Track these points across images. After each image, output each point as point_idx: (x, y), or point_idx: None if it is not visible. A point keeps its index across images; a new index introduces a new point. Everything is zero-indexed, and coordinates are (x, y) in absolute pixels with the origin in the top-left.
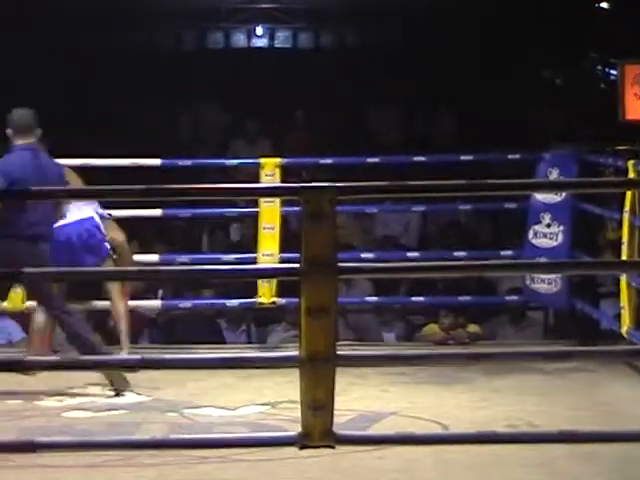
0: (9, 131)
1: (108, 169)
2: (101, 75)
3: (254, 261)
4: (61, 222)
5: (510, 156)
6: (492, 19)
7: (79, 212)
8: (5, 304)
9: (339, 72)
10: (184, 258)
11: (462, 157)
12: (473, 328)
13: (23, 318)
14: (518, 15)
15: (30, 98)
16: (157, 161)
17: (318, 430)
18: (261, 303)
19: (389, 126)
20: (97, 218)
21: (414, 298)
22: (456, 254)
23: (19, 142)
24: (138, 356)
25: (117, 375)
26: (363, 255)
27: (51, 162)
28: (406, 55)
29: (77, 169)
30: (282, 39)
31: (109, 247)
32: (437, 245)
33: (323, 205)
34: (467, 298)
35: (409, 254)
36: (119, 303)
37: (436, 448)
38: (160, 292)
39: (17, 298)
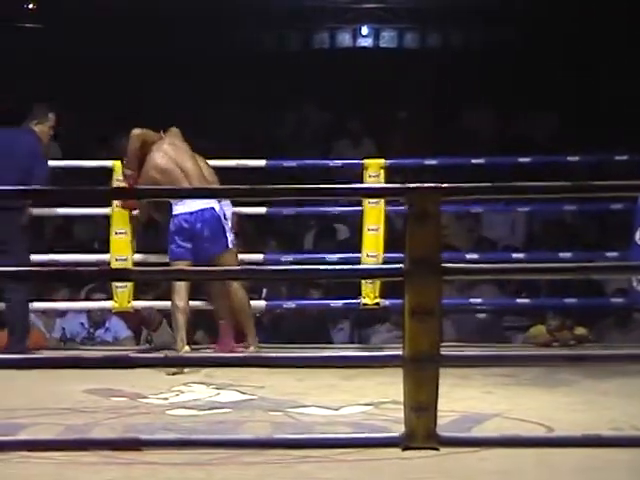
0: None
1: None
2: (205, 76)
3: (358, 261)
4: (180, 209)
5: (617, 157)
6: (597, 16)
7: (200, 202)
8: (111, 303)
9: (443, 72)
10: (289, 258)
11: (568, 158)
12: (580, 331)
13: (129, 316)
14: (621, 11)
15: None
16: (262, 162)
17: (421, 431)
18: (365, 304)
19: (490, 126)
20: (218, 208)
21: (519, 300)
22: (561, 255)
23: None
24: (241, 354)
25: None
26: (468, 256)
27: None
28: (509, 55)
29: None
30: (387, 39)
31: (232, 238)
32: (542, 246)
33: (428, 206)
34: (573, 300)
35: (514, 255)
36: (223, 300)
37: (539, 451)
38: (264, 292)
39: (123, 297)
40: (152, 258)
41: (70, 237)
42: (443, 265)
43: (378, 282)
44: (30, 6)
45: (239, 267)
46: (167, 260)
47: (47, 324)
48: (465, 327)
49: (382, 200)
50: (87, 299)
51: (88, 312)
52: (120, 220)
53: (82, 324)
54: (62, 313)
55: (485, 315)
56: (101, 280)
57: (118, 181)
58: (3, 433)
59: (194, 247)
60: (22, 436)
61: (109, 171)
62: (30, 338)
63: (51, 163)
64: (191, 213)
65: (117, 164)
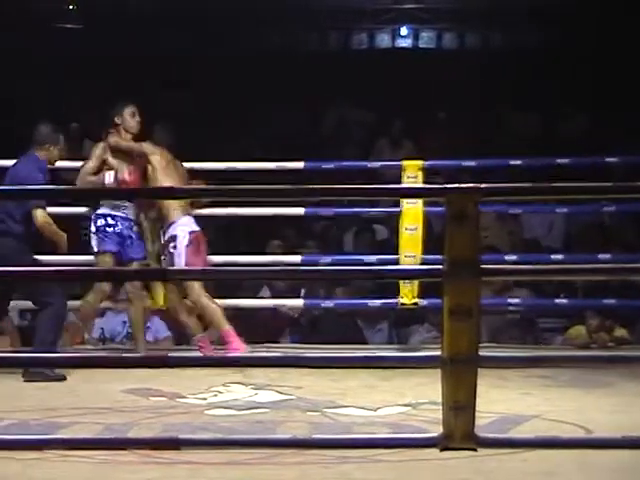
0: None
1: (252, 171)
2: (245, 76)
3: (396, 262)
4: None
5: None
6: (630, 20)
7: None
8: (150, 303)
9: (482, 73)
10: (327, 259)
11: (607, 159)
12: (619, 332)
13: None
14: None
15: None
16: (300, 164)
17: (460, 432)
18: (403, 304)
19: (530, 127)
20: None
21: (557, 300)
22: (600, 256)
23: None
24: (279, 354)
25: None
26: (507, 257)
27: (25, 168)
28: (548, 56)
29: (222, 172)
30: (426, 39)
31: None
32: (581, 247)
33: (467, 206)
34: (611, 301)
35: (553, 256)
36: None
37: (579, 452)
38: (302, 291)
39: (159, 296)
40: None
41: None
42: (482, 266)
43: (416, 282)
44: (70, 7)
45: (280, 267)
46: None
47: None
48: (504, 328)
49: (420, 201)
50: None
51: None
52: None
53: (124, 322)
54: (101, 313)
55: (522, 316)
56: (137, 280)
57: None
58: (43, 432)
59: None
60: (62, 435)
61: None
62: (70, 335)
63: None
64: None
65: None
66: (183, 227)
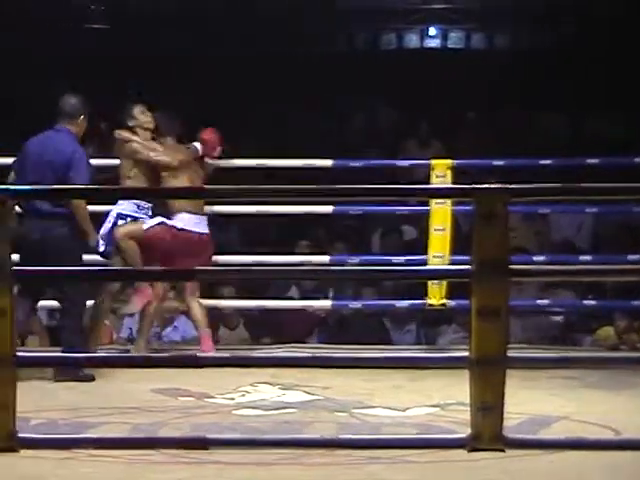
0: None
1: (278, 169)
2: (272, 76)
3: (424, 263)
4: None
5: None
6: None
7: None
8: (176, 303)
9: (511, 73)
10: (355, 259)
11: (636, 159)
12: None
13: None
14: None
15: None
16: (328, 162)
17: (488, 433)
18: (431, 305)
19: (559, 127)
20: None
21: (586, 301)
22: (630, 257)
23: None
24: (308, 354)
25: None
26: (535, 258)
27: (65, 147)
28: (578, 56)
29: (249, 169)
30: (455, 40)
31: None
32: (610, 247)
33: (495, 206)
34: None
35: (581, 257)
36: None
37: (607, 453)
38: (331, 292)
39: None
40: None
41: None
42: (510, 266)
43: (444, 283)
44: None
45: (309, 267)
46: None
47: (115, 324)
48: (532, 328)
49: (449, 201)
50: None
51: None
52: None
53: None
54: (130, 313)
55: (557, 317)
56: (167, 280)
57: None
58: (71, 432)
59: None
60: (91, 434)
61: None
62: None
63: None
64: None
65: None
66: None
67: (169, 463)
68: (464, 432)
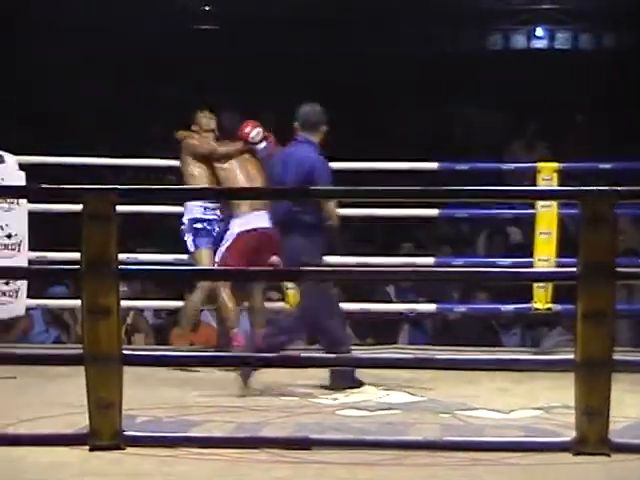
0: (296, 124)
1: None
2: (375, 77)
3: (530, 265)
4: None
5: None
6: None
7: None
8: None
9: (619, 74)
10: (459, 261)
11: None
12: None
13: None
14: None
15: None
16: (434, 164)
17: (593, 437)
18: (536, 308)
19: None
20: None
21: None
22: None
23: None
24: (412, 355)
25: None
26: None
27: (305, 158)
28: None
29: (347, 171)
30: (562, 40)
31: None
32: None
33: (603, 209)
34: None
35: None
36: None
37: None
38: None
39: (289, 297)
40: None
41: None
42: (617, 269)
43: (550, 287)
44: (206, 8)
45: (410, 268)
46: None
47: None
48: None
49: (555, 203)
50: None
51: None
52: None
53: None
54: None
55: None
56: (273, 280)
57: None
58: (177, 430)
59: None
60: (195, 433)
61: None
62: (200, 335)
63: None
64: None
65: None
66: (236, 226)
67: (272, 462)
68: (569, 435)
